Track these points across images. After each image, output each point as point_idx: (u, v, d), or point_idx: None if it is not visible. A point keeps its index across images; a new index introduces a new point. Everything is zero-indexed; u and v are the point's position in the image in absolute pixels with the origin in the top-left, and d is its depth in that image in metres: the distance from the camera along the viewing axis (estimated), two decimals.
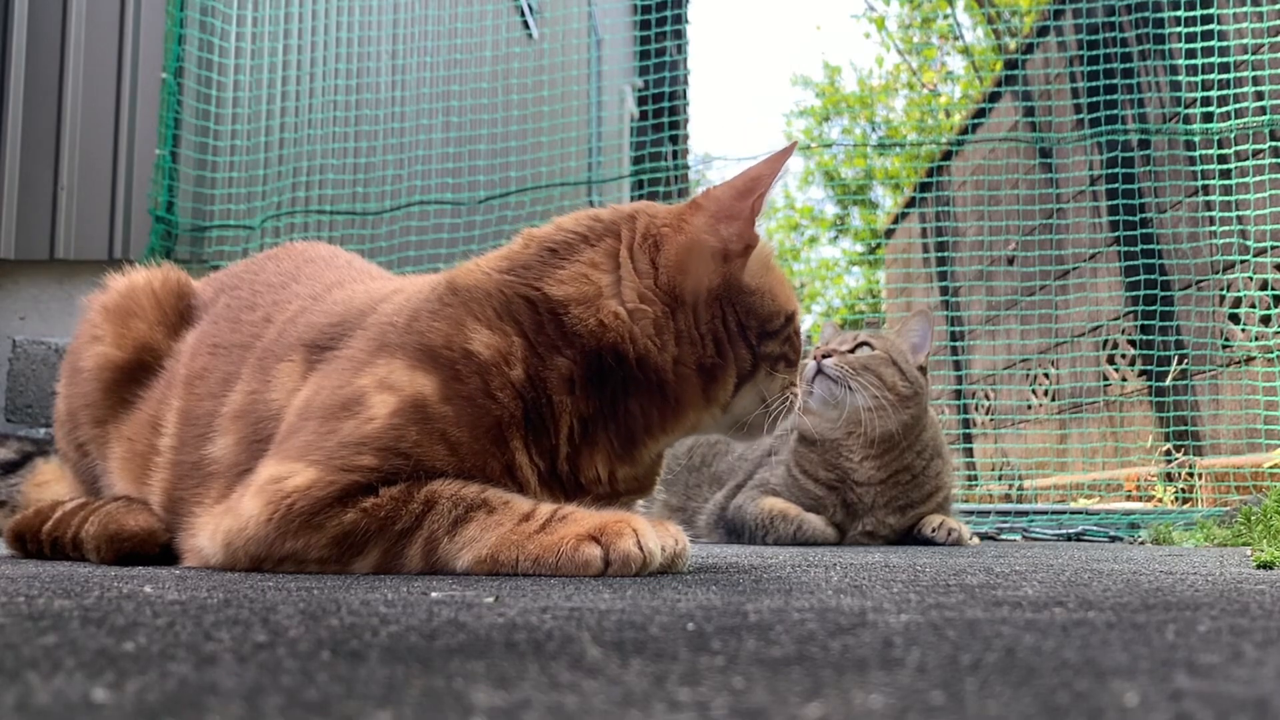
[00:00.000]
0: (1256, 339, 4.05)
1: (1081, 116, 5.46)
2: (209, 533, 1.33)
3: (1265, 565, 1.67)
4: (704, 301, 1.35)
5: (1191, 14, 4.25)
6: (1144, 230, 4.71)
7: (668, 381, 1.33)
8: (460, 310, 1.33)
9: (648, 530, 1.19)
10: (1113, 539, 3.21)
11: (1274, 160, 3.96)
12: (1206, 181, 4.32)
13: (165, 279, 1.76)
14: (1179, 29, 4.36)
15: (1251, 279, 4.07)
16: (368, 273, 1.73)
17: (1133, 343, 5.08)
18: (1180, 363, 4.46)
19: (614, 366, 1.32)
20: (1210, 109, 4.19)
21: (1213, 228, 4.19)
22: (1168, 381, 4.49)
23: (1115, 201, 4.85)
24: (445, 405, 1.26)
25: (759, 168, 1.36)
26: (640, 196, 5.63)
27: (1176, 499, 4.25)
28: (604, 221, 1.40)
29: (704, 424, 1.41)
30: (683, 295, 1.34)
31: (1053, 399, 5.97)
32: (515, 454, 1.29)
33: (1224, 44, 4.20)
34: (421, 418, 1.25)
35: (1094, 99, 5.16)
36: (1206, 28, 4.21)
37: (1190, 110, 4.47)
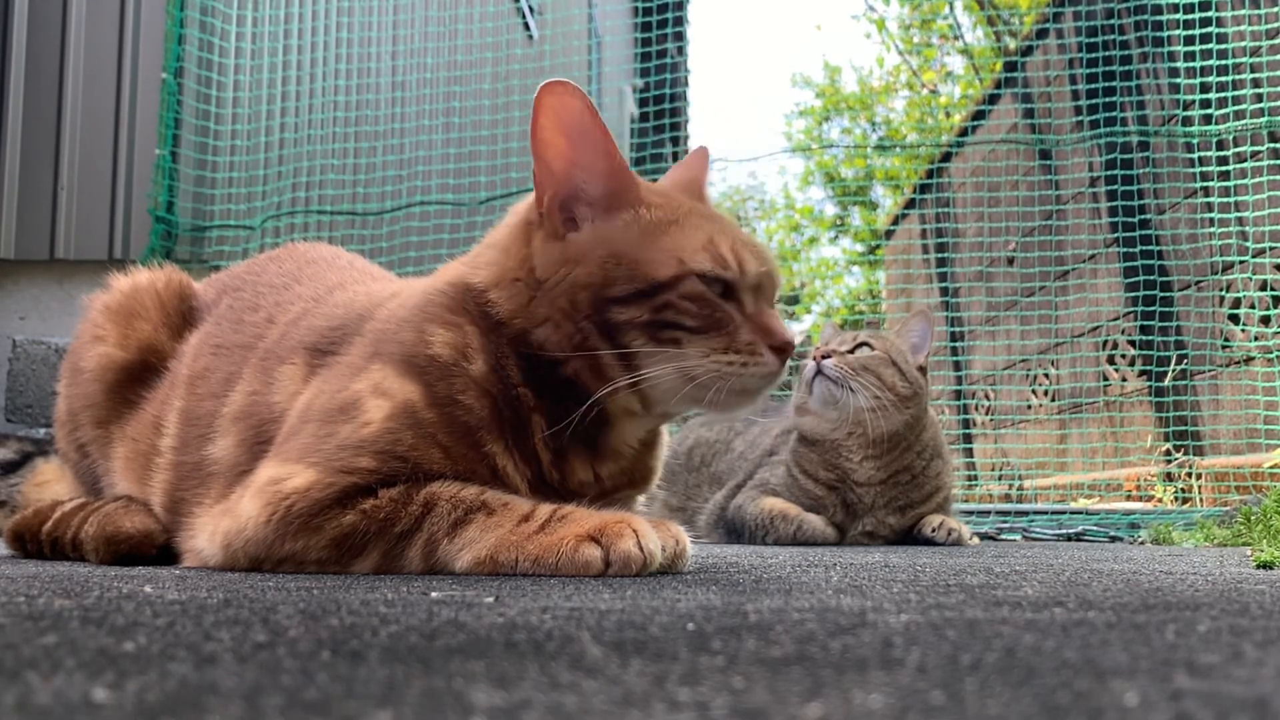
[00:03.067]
0: (1256, 339, 4.05)
1: (1081, 118, 5.46)
2: (208, 534, 1.33)
3: (1265, 565, 1.67)
4: (549, 279, 1.28)
5: (1191, 15, 4.25)
6: (1144, 231, 4.70)
7: (569, 366, 1.28)
8: (422, 314, 1.33)
9: (648, 530, 1.19)
10: (1113, 539, 3.21)
11: (1273, 161, 3.96)
12: (1206, 182, 4.32)
13: (169, 280, 1.76)
14: (1179, 30, 4.36)
15: (1251, 279, 4.07)
16: (369, 274, 1.73)
17: (1133, 343, 5.08)
18: (1180, 363, 4.46)
19: (536, 356, 1.28)
20: (1210, 110, 4.19)
21: (1212, 228, 4.19)
22: (1167, 382, 4.49)
23: (1115, 202, 4.85)
24: (429, 411, 1.26)
25: None
26: None
27: (1176, 499, 4.25)
28: (531, 204, 1.36)
29: (635, 406, 1.31)
30: (536, 274, 1.30)
31: (1053, 399, 5.97)
32: (495, 458, 1.28)
33: (1224, 45, 4.20)
34: (414, 422, 1.25)
35: (1094, 100, 5.16)
36: (1206, 29, 4.21)
37: (1190, 111, 4.47)
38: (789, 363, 1.33)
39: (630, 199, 1.30)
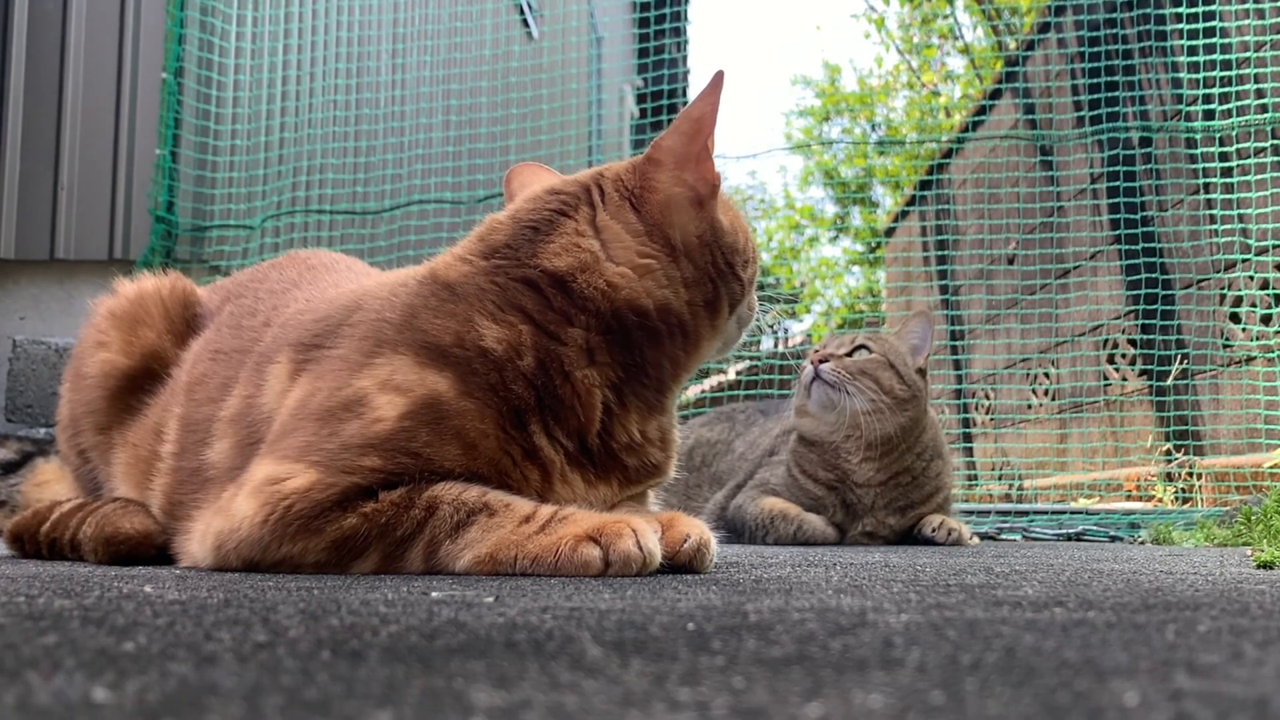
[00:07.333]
0: (1257, 339, 4.04)
1: (1082, 115, 5.46)
2: (199, 535, 1.31)
3: (1265, 565, 1.67)
4: (695, 246, 1.41)
5: (1193, 11, 4.24)
6: (1145, 229, 4.70)
7: (687, 322, 1.41)
8: (463, 306, 1.33)
9: (647, 530, 1.19)
10: (1113, 539, 3.21)
11: (1275, 159, 3.96)
12: (1208, 180, 4.32)
13: (173, 287, 1.76)
14: (1180, 26, 4.36)
15: (1252, 278, 4.07)
16: (366, 275, 1.73)
17: (1133, 342, 5.07)
18: (1181, 362, 4.46)
19: (635, 321, 1.36)
20: (1211, 107, 4.19)
21: (1214, 226, 4.19)
22: (1169, 381, 4.48)
23: (1116, 200, 4.85)
24: (465, 400, 1.26)
25: (698, 108, 1.39)
26: None
27: (1176, 499, 4.25)
28: (570, 193, 1.43)
29: (709, 354, 1.50)
30: (674, 244, 1.40)
31: (1053, 399, 5.97)
32: (534, 437, 1.31)
33: (1225, 41, 4.20)
34: (435, 417, 1.24)
35: (1095, 97, 5.15)
36: (1208, 25, 4.21)
37: (1191, 108, 4.47)
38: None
39: (715, 173, 1.50)
